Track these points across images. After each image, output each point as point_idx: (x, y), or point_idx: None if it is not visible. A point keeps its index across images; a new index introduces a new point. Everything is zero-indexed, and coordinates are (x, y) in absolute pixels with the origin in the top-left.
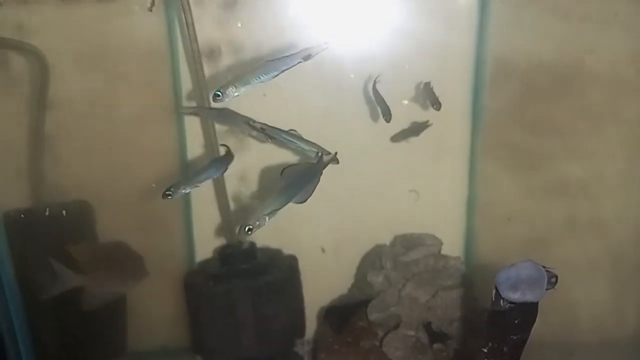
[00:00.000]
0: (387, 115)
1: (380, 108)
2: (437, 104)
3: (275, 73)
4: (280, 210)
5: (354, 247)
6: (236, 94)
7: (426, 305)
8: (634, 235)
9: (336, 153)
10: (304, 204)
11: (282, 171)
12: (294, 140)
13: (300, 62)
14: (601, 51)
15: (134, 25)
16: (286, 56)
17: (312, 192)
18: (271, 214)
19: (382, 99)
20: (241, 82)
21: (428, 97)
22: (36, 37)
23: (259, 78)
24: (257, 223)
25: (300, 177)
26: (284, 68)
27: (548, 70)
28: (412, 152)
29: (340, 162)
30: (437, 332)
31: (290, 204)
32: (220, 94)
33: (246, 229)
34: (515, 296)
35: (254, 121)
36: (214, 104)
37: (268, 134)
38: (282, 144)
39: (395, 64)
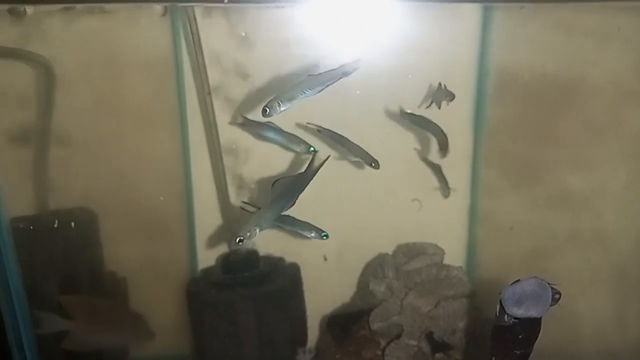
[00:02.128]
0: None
1: (437, 139)
2: (450, 95)
3: (320, 88)
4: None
5: (356, 256)
6: (282, 108)
7: (428, 315)
8: (637, 247)
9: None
10: (307, 211)
11: (273, 184)
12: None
13: (342, 77)
14: (604, 64)
15: (140, 35)
16: (328, 71)
17: (298, 196)
18: (262, 225)
19: (439, 129)
20: (286, 97)
21: (441, 95)
22: (43, 47)
23: (304, 93)
24: (248, 234)
25: (289, 187)
26: (329, 83)
27: (551, 82)
28: (415, 161)
29: (342, 171)
30: (439, 342)
31: (291, 212)
32: (268, 109)
33: (237, 239)
34: (520, 312)
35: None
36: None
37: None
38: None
39: (399, 75)
